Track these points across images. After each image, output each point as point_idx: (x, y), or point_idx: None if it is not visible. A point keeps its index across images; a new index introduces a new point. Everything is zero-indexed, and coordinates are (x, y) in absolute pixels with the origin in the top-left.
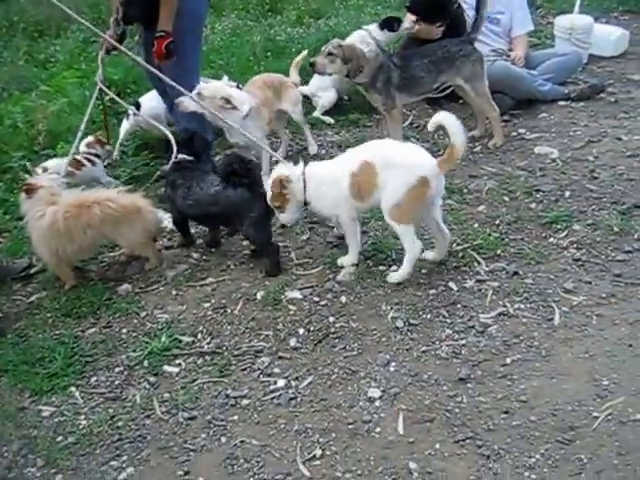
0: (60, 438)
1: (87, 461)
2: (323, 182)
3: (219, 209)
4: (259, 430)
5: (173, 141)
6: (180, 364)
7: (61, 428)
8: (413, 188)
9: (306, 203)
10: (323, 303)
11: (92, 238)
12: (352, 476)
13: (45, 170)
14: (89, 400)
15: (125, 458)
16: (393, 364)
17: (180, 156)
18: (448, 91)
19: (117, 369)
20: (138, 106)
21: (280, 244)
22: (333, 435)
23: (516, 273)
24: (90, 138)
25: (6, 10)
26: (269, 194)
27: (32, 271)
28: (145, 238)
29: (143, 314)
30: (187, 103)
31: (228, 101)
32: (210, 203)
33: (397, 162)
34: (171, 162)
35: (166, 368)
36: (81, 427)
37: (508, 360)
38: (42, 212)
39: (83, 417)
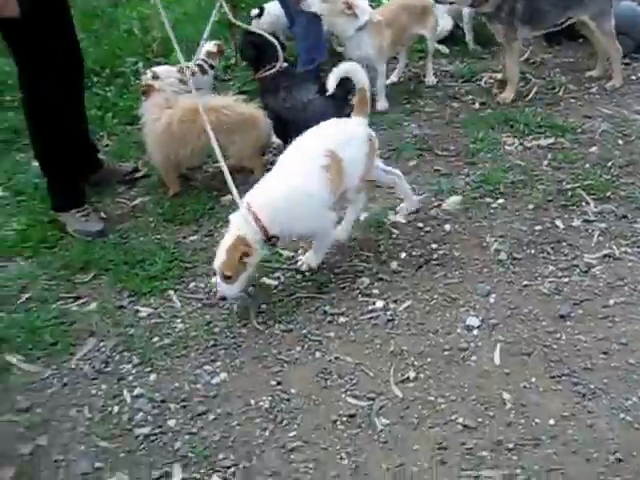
0: (156, 339)
1: (181, 363)
2: (287, 203)
3: (306, 116)
4: (354, 348)
5: (280, 49)
6: (279, 277)
7: (157, 329)
8: (370, 150)
9: (271, 239)
10: (426, 230)
11: (205, 144)
12: (445, 401)
13: (155, 75)
14: (186, 305)
15: (219, 364)
16: (493, 295)
17: (285, 64)
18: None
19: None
20: (261, 12)
21: None
22: (428, 360)
23: (625, 216)
24: (212, 47)
25: None
26: (221, 260)
27: (137, 175)
28: (255, 149)
29: None
30: (310, 1)
31: (350, 7)
32: (301, 109)
33: (347, 139)
34: (275, 69)
35: (265, 280)
36: (177, 330)
37: (611, 302)
38: (158, 115)
39: (180, 320)
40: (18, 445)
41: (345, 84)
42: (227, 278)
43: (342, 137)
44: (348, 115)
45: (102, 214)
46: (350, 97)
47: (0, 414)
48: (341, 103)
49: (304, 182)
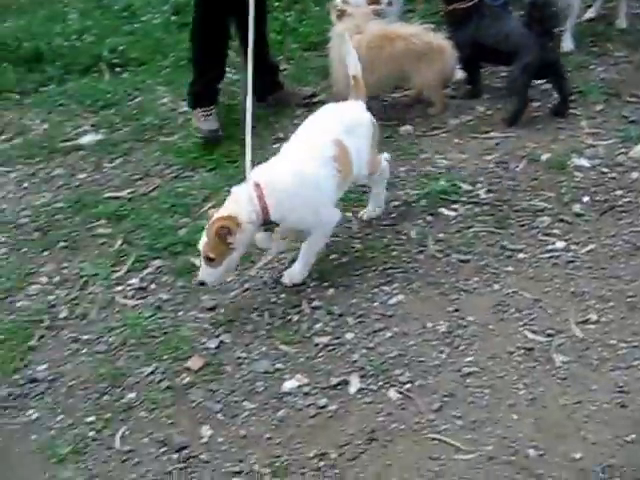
0: (334, 256)
1: (359, 281)
2: (296, 189)
3: (506, 46)
4: (533, 284)
5: None
6: (457, 209)
7: (335, 247)
8: (373, 135)
9: (268, 224)
10: (612, 176)
11: (391, 72)
12: (627, 346)
13: (345, 0)
14: (364, 227)
15: (396, 285)
16: None
17: None
18: None
19: (394, 203)
20: None
21: (571, 111)
22: (610, 304)
23: None
24: None
25: None
26: (203, 240)
27: (315, 100)
28: (439, 80)
29: (423, 156)
30: None
31: None
32: (502, 39)
33: (352, 126)
34: (472, 2)
35: (443, 210)
36: (355, 250)
37: None
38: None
39: (358, 241)
40: (205, 339)
41: (543, 15)
42: (210, 260)
43: (347, 125)
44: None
45: None
46: (549, 27)
47: (188, 310)
48: (541, 33)
49: (314, 171)
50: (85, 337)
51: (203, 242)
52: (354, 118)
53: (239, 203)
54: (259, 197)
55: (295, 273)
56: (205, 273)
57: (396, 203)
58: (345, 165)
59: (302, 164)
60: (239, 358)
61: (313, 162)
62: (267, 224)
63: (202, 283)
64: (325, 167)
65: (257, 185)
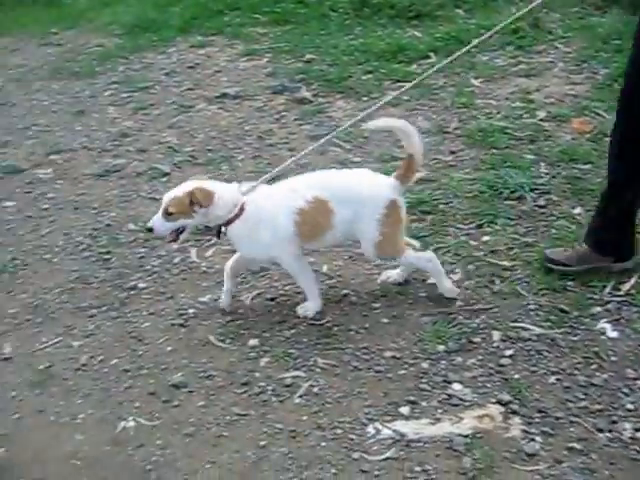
0: None
1: None
2: (260, 218)
3: None
4: None
5: None
6: None
7: None
8: (386, 217)
9: (219, 232)
10: None
11: None
12: None
13: None
14: None
15: None
16: None
17: None
18: None
19: None
20: None
21: None
22: None
23: None
24: None
25: None
26: (173, 195)
27: None
28: None
29: None
30: None
31: None
32: None
33: (357, 194)
34: None
35: None
36: None
37: None
38: None
39: None
40: None
41: None
42: (168, 214)
43: (347, 193)
44: None
45: None
46: None
47: None
48: None
49: (272, 211)
50: None
51: (171, 196)
52: (363, 189)
53: (225, 195)
54: (241, 206)
55: (308, 307)
56: (159, 220)
57: None
58: (313, 224)
59: (271, 199)
60: None
61: (275, 202)
62: (219, 228)
63: (150, 229)
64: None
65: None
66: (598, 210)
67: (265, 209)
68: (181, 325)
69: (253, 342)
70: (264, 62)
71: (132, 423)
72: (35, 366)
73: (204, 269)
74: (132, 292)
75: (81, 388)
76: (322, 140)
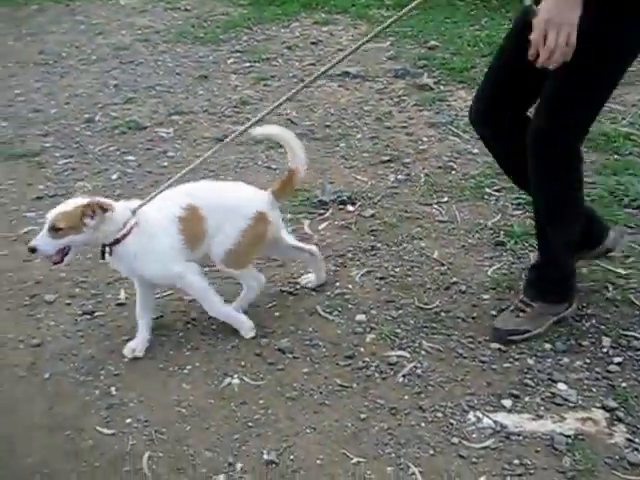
0: None
1: None
2: (154, 229)
3: None
4: None
5: None
6: None
7: None
8: (249, 229)
9: (103, 253)
10: None
11: None
12: None
13: None
14: None
15: None
16: None
17: None
18: None
19: None
20: None
21: None
22: None
23: None
24: None
25: None
26: (61, 210)
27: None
28: None
29: None
30: None
31: None
32: None
33: (223, 203)
34: None
35: None
36: None
37: None
38: None
39: None
40: None
41: None
42: (55, 230)
43: (216, 201)
44: None
45: None
46: None
47: None
48: None
49: (161, 220)
50: None
51: (58, 211)
52: (231, 199)
53: (120, 210)
54: (128, 230)
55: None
56: (42, 239)
57: None
58: (193, 233)
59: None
60: None
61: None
62: (103, 248)
63: (34, 250)
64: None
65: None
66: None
67: (157, 219)
68: (290, 293)
69: (360, 317)
70: (387, 45)
71: (237, 380)
72: None
73: (316, 241)
74: None
75: (190, 341)
76: (207, 154)
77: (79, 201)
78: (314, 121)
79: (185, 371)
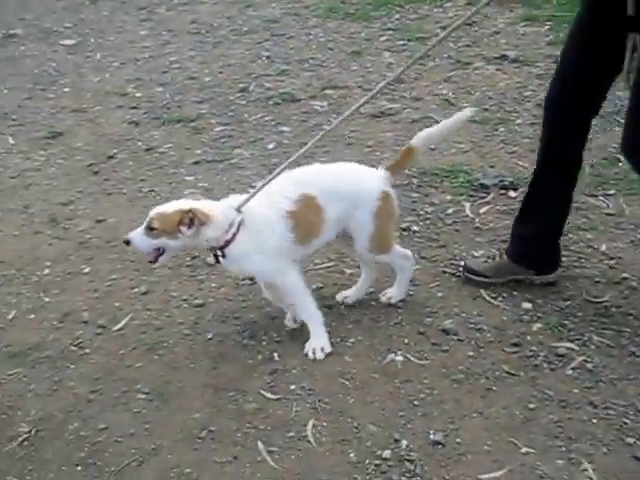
0: None
1: None
2: (260, 225)
3: None
4: None
5: None
6: None
7: None
8: (380, 210)
9: (217, 257)
10: None
11: None
12: None
13: None
14: None
15: None
16: None
17: None
18: None
19: None
20: None
21: None
22: None
23: None
24: None
25: None
26: (161, 210)
27: None
28: None
29: None
30: None
31: None
32: None
33: (345, 188)
34: None
35: None
36: None
37: None
38: None
39: None
40: None
41: None
42: (151, 230)
43: (334, 186)
44: None
45: None
46: None
47: None
48: None
49: (266, 215)
50: None
51: (160, 211)
52: (351, 185)
53: (222, 212)
54: (236, 230)
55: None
56: (138, 235)
57: None
58: (307, 226)
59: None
60: None
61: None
62: (215, 252)
63: (127, 242)
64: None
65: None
66: (520, 220)
67: (262, 215)
68: (452, 274)
69: (526, 305)
70: (545, 30)
71: (400, 357)
72: (309, 285)
73: (477, 225)
74: (404, 233)
75: (351, 314)
76: (314, 140)
77: (182, 205)
78: (472, 103)
79: (347, 344)
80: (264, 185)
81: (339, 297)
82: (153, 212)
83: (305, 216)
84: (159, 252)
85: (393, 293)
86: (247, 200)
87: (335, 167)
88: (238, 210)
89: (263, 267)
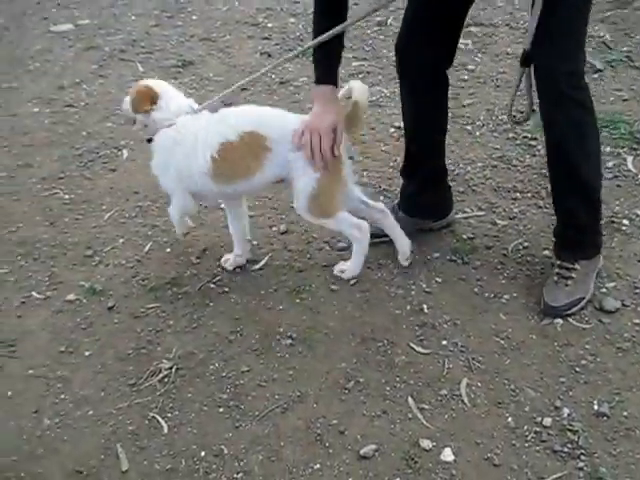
0: None
1: None
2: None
3: None
4: None
5: None
6: None
7: None
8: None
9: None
10: None
11: None
12: None
13: None
14: None
15: None
16: None
17: None
18: None
19: None
20: None
21: None
22: None
23: None
24: None
25: None
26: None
27: None
28: None
29: None
30: None
31: None
32: None
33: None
34: None
35: None
36: None
37: None
38: None
39: None
40: None
41: None
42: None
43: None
44: None
45: None
46: None
47: None
48: None
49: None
50: None
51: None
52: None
53: (172, 103)
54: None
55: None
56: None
57: None
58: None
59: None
60: None
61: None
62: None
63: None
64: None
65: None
66: (406, 174)
67: (194, 131)
68: (618, 231)
69: None
70: None
71: (560, 320)
72: (459, 234)
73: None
74: None
75: (505, 270)
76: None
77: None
78: (632, 47)
79: (503, 300)
80: (223, 95)
81: (336, 271)
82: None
83: (240, 153)
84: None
85: (345, 266)
86: (204, 106)
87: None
88: (194, 112)
89: (162, 177)
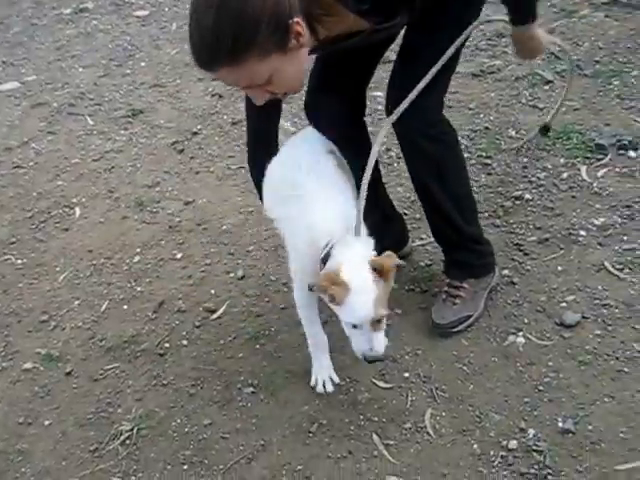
0: None
1: None
2: None
3: None
4: None
5: None
6: None
7: None
8: None
9: None
10: None
11: None
12: None
13: None
14: None
15: None
16: None
17: None
18: None
19: None
20: None
21: None
22: None
23: None
24: None
25: None
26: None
27: None
28: None
29: None
30: None
31: None
32: None
33: None
34: None
35: None
36: None
37: None
38: None
39: None
40: None
41: None
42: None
43: None
44: None
45: None
46: None
47: None
48: None
49: None
50: None
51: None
52: None
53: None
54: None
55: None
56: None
57: None
58: None
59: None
60: None
61: None
62: None
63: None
64: None
65: None
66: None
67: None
68: (574, 243)
69: None
70: None
71: (521, 339)
72: (417, 262)
73: (595, 190)
74: (517, 202)
75: None
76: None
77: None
78: (580, 56)
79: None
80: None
81: None
82: None
83: None
84: None
85: None
86: None
87: None
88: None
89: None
